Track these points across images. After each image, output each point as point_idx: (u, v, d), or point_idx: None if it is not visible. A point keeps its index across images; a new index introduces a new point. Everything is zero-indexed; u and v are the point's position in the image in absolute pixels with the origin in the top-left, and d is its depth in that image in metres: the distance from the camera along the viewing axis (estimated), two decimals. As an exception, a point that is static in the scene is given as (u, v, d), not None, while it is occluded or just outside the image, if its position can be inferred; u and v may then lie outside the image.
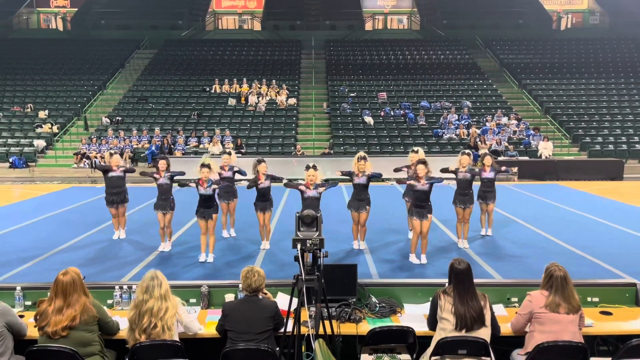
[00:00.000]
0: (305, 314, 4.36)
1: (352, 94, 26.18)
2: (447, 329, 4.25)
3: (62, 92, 26.90)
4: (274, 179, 8.92)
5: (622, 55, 30.50)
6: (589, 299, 5.20)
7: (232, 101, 25.63)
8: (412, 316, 4.95)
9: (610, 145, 22.09)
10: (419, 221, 8.02)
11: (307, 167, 8.29)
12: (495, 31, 33.25)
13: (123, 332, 4.45)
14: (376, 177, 8.67)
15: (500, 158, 20.25)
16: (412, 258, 8.24)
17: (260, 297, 4.53)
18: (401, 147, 21.22)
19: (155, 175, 8.88)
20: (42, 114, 24.48)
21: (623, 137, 22.75)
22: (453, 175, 9.18)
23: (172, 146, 21.45)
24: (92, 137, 22.43)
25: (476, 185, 9.50)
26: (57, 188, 17.04)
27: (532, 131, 22.56)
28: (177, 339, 4.26)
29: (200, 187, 8.24)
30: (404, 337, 4.45)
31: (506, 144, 21.69)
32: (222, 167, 9.57)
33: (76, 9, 35.20)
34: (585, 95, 26.49)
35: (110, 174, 9.64)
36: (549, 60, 29.94)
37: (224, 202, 9.73)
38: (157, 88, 27.34)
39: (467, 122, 23.20)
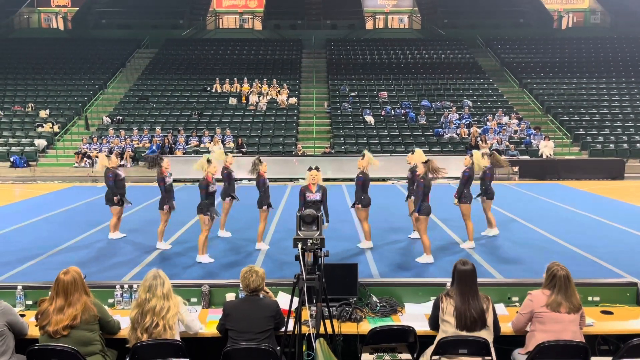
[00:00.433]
0: (306, 313, 4.36)
1: (352, 93, 26.17)
2: (448, 331, 4.26)
3: (63, 92, 26.92)
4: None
5: (623, 54, 30.46)
6: (589, 299, 5.20)
7: (232, 100, 25.64)
8: (413, 315, 4.95)
9: (611, 145, 22.07)
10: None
11: (310, 168, 8.30)
12: (496, 30, 33.23)
13: (124, 331, 4.46)
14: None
15: (501, 157, 20.25)
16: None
17: (261, 296, 4.54)
18: (402, 146, 21.21)
19: (164, 174, 8.92)
20: (43, 114, 24.50)
21: (624, 137, 22.74)
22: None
23: (172, 145, 21.46)
24: (93, 136, 22.44)
25: (476, 185, 9.51)
26: (58, 187, 17.05)
27: (533, 130, 22.56)
28: (179, 338, 4.26)
29: (210, 184, 8.22)
30: (404, 337, 4.45)
31: (507, 143, 21.68)
32: (225, 167, 9.62)
33: (77, 9, 35.22)
34: (586, 95, 26.47)
35: (121, 175, 9.75)
36: (550, 59, 29.92)
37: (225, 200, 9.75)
38: (158, 87, 27.35)
39: (468, 122, 23.19)
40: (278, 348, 4.35)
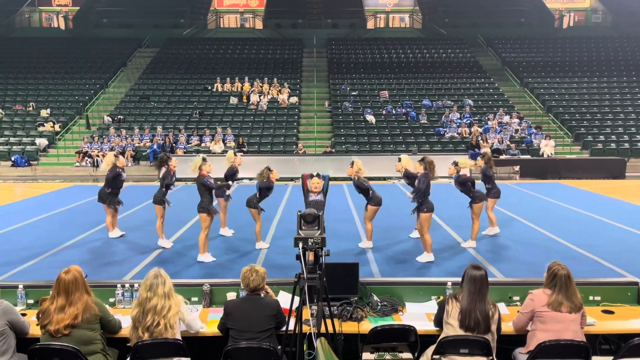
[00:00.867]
0: (307, 313, 4.36)
1: (353, 93, 26.16)
2: (451, 334, 4.25)
3: (64, 91, 26.94)
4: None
5: (625, 53, 30.42)
6: (590, 298, 5.19)
7: (233, 100, 25.64)
8: (414, 315, 4.96)
9: (612, 144, 22.05)
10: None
11: (311, 176, 8.19)
12: (497, 30, 33.20)
13: (125, 330, 4.46)
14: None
15: (502, 157, 20.26)
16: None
17: (262, 295, 4.54)
18: (403, 145, 21.21)
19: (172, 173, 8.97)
20: (44, 113, 24.51)
21: (625, 136, 22.71)
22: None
23: (173, 145, 21.46)
24: (94, 135, 22.46)
25: (479, 184, 9.51)
26: (59, 187, 17.06)
27: (534, 130, 22.54)
28: (180, 337, 4.27)
29: (210, 180, 8.25)
30: (405, 336, 4.45)
31: (508, 142, 21.66)
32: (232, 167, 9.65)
33: (78, 8, 35.22)
34: (588, 94, 26.45)
35: (124, 176, 9.79)
36: (551, 58, 29.89)
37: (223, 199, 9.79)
38: (158, 87, 27.35)
39: (469, 121, 23.18)
40: (279, 347, 4.35)
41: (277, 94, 25.88)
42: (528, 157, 20.74)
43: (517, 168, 19.40)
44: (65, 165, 21.37)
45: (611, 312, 5.01)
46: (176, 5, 34.76)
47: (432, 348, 4.31)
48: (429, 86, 27.21)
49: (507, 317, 4.80)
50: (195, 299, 5.25)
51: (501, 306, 5.05)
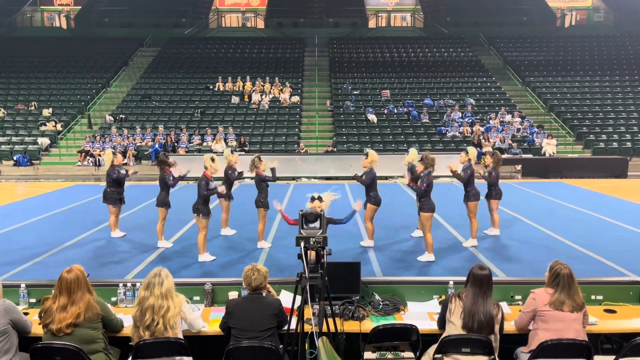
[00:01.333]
0: (308, 312, 4.36)
1: (355, 92, 26.15)
2: (453, 333, 4.25)
3: (65, 90, 26.97)
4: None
5: (627, 52, 30.35)
6: (592, 297, 5.19)
7: (235, 99, 25.65)
8: (416, 314, 4.96)
9: (614, 143, 22.01)
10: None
11: (312, 199, 6.87)
12: (499, 29, 33.16)
13: (127, 329, 4.46)
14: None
15: (504, 156, 20.23)
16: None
17: (264, 294, 4.54)
18: (404, 145, 21.19)
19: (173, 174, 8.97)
20: (46, 112, 24.55)
21: (627, 135, 22.66)
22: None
23: (175, 144, 21.48)
24: (96, 135, 22.49)
25: (482, 184, 9.50)
26: (61, 186, 17.08)
27: (536, 129, 22.51)
28: (181, 336, 4.27)
29: (211, 182, 8.22)
30: (407, 335, 4.45)
31: (510, 141, 21.64)
32: (230, 167, 9.62)
33: (80, 7, 35.27)
34: (589, 93, 26.40)
35: (123, 172, 9.78)
36: (552, 57, 29.84)
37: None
38: (160, 86, 27.38)
39: (470, 120, 23.15)
40: (281, 346, 4.35)
41: (279, 93, 25.88)
42: (530, 156, 20.72)
43: (519, 167, 19.38)
44: (67, 165, 21.41)
45: (613, 312, 5.00)
46: (178, 5, 34.78)
47: (434, 347, 4.30)
48: (431, 85, 27.19)
49: (509, 316, 4.80)
50: (197, 298, 5.26)
51: (503, 305, 5.04)
